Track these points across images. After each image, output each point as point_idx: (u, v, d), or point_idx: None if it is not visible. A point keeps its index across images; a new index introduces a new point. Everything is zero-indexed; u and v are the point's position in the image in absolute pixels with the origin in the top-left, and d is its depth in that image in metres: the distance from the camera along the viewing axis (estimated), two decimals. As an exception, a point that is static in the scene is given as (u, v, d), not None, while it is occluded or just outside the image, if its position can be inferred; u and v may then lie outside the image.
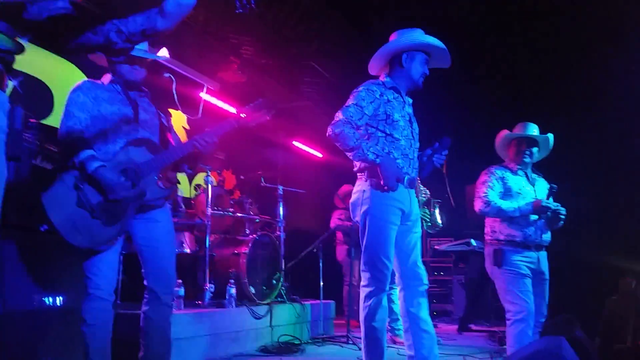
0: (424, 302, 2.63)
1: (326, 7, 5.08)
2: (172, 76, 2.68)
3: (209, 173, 4.58)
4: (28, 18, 1.62)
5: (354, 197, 2.69)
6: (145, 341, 2.44)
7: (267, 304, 4.50)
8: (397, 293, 2.75)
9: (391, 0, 5.18)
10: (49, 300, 2.80)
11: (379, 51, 2.75)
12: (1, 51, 1.47)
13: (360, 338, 4.62)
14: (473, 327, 5.84)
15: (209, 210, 4.38)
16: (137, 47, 2.42)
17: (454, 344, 4.68)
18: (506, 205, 3.20)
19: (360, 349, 4.24)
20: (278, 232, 5.22)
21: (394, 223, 2.60)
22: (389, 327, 4.75)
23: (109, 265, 2.37)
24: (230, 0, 1.78)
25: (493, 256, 3.22)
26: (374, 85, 2.68)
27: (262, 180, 5.41)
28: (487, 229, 3.36)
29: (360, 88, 2.66)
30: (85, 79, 2.55)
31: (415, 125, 2.79)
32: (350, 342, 4.52)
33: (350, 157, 2.61)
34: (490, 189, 3.28)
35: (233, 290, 4.13)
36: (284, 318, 4.61)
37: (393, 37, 2.77)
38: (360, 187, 2.65)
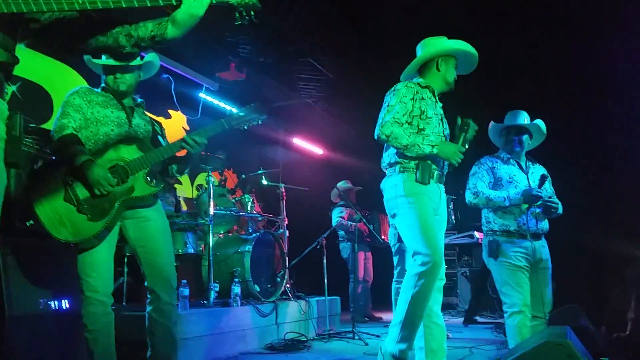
0: (439, 297, 2.66)
1: (324, 4, 5.07)
2: (170, 77, 2.68)
3: (210, 173, 4.59)
4: (38, 24, 1.64)
5: (388, 193, 2.72)
6: (151, 342, 2.45)
7: (272, 301, 4.50)
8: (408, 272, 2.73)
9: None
10: (54, 304, 2.80)
11: (415, 61, 2.87)
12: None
13: (365, 333, 4.70)
14: (479, 319, 5.85)
15: (212, 210, 4.39)
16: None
17: (461, 337, 4.69)
18: (494, 194, 3.19)
19: (366, 344, 4.27)
20: (281, 230, 5.23)
21: (431, 211, 2.64)
22: None
23: (103, 265, 2.36)
24: (230, 12, 1.78)
25: (488, 248, 3.23)
26: (411, 83, 2.77)
27: (264, 178, 5.42)
28: (482, 220, 3.36)
29: (399, 87, 2.73)
30: (84, 84, 2.57)
31: (446, 125, 2.87)
32: (357, 337, 4.53)
33: (404, 153, 2.63)
34: (479, 180, 3.29)
35: (238, 289, 4.14)
36: (289, 315, 4.61)
37: (420, 47, 2.92)
38: (392, 182, 2.70)
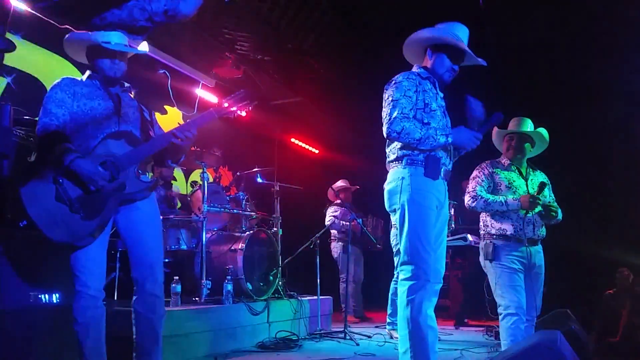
0: (434, 300, 2.59)
1: (321, 2, 5.06)
2: (167, 72, 2.65)
3: (205, 169, 4.57)
4: None
5: (391, 185, 2.61)
6: (135, 336, 2.39)
7: (265, 300, 4.49)
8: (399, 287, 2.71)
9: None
10: (45, 297, 2.79)
11: (417, 34, 2.69)
12: None
13: (357, 333, 4.70)
14: (470, 321, 5.86)
15: (205, 207, 4.37)
16: (116, 41, 2.42)
17: (451, 339, 4.70)
18: (493, 199, 3.21)
19: (357, 345, 4.27)
20: (275, 228, 5.22)
21: (434, 210, 2.54)
22: (389, 321, 4.76)
23: (95, 261, 2.32)
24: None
25: (485, 250, 3.24)
26: (412, 74, 2.64)
27: (259, 176, 5.41)
28: (480, 223, 3.38)
29: (400, 78, 2.60)
30: (79, 76, 2.52)
31: (448, 118, 2.75)
32: (348, 337, 4.52)
33: (418, 148, 2.53)
34: (478, 185, 3.31)
35: (230, 287, 4.13)
36: (281, 314, 4.61)
37: (430, 30, 2.71)
38: (398, 175, 2.58)
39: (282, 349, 3.99)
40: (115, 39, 2.43)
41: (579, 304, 4.48)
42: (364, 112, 6.03)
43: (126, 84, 2.60)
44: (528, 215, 3.16)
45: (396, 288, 4.06)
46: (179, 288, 3.78)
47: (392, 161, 2.66)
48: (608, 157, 6.27)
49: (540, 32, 5.29)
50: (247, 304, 4.18)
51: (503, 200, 3.18)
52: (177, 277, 3.81)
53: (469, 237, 5.57)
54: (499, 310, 3.15)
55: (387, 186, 2.66)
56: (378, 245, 6.09)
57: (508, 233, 3.18)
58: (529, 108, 4.21)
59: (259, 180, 5.41)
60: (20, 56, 4.07)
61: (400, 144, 2.59)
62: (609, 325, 4.33)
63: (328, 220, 6.21)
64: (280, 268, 4.87)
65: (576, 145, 6.16)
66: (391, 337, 4.57)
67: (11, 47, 3.16)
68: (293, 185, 5.70)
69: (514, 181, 3.29)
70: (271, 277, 4.77)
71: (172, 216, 4.54)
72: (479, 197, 3.24)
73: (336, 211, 6.29)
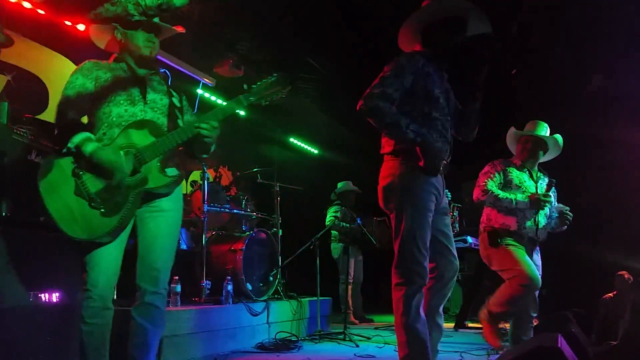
0: (446, 297, 2.52)
1: (322, 3, 5.06)
2: (167, 72, 2.59)
3: (205, 169, 4.56)
4: None
5: (385, 181, 2.41)
6: (129, 343, 2.23)
7: (264, 300, 4.49)
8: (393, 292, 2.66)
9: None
10: (44, 296, 2.78)
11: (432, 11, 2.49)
12: None
13: (357, 335, 4.69)
14: (469, 324, 5.86)
15: (206, 207, 4.36)
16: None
17: (451, 341, 4.69)
18: (503, 194, 3.23)
19: (357, 346, 4.26)
20: (275, 229, 5.21)
21: (431, 210, 2.37)
22: None
23: (109, 260, 2.17)
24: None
25: (488, 238, 3.24)
26: (417, 54, 2.42)
27: (259, 176, 5.40)
28: (482, 217, 3.40)
29: (401, 57, 2.40)
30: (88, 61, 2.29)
31: (451, 104, 2.55)
32: (347, 338, 4.52)
33: (385, 135, 2.37)
34: (489, 179, 3.34)
35: (230, 287, 4.12)
36: (281, 315, 4.60)
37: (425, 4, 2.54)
38: (393, 171, 2.38)
39: (282, 350, 3.98)
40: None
41: (579, 306, 4.47)
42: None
43: (156, 67, 2.42)
44: (537, 218, 3.20)
45: None
46: (178, 288, 3.77)
47: (389, 152, 2.43)
48: (608, 157, 6.27)
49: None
50: (246, 305, 4.17)
51: (512, 198, 3.20)
52: (177, 277, 3.81)
53: (469, 239, 5.57)
54: (514, 281, 3.06)
55: (381, 181, 2.45)
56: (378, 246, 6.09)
57: (511, 229, 3.22)
58: (530, 110, 4.20)
59: (259, 180, 5.40)
60: (21, 54, 4.07)
61: None
62: (608, 329, 4.33)
63: (328, 221, 6.20)
64: (280, 269, 4.86)
65: (576, 147, 6.16)
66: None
67: (8, 42, 3.15)
68: (293, 186, 5.70)
69: (524, 181, 3.34)
70: (271, 278, 4.76)
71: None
72: (490, 192, 3.26)
73: (337, 211, 6.28)
